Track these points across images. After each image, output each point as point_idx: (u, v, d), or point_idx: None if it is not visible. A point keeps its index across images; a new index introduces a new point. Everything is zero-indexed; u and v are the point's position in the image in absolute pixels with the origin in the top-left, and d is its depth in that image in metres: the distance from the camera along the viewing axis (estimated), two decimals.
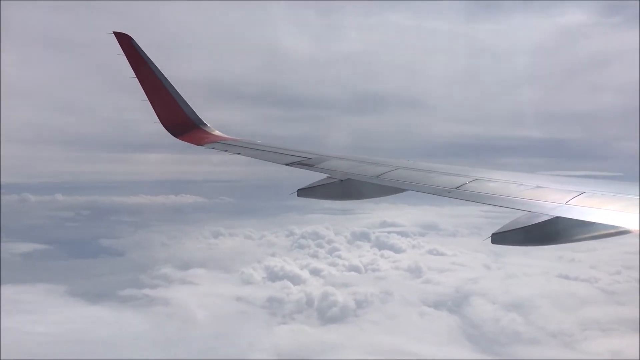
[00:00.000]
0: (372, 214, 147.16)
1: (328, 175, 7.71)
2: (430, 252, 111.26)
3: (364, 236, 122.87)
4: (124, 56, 9.90)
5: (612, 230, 4.90)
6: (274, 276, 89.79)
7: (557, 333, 70.62)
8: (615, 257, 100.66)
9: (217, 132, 10.91)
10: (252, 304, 77.56)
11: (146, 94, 10.23)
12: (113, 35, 9.76)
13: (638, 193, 5.28)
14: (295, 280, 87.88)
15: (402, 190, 7.02)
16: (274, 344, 64.37)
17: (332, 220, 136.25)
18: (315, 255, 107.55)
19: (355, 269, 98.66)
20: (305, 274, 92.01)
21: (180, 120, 10.68)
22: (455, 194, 6.26)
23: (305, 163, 8.42)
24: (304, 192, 7.53)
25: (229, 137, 10.76)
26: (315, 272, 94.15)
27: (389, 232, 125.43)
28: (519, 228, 5.23)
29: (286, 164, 8.58)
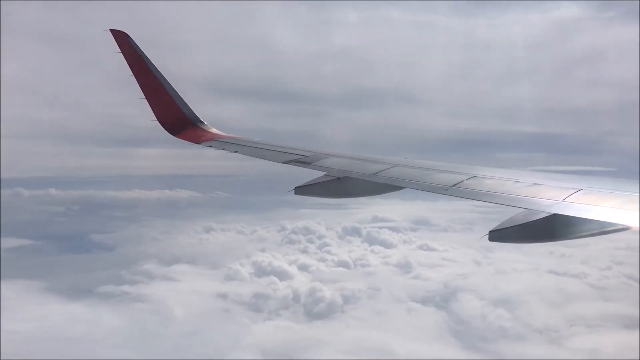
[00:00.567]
0: (364, 209, 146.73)
1: (325, 173, 7.80)
2: (421, 247, 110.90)
3: (355, 231, 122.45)
4: (120, 53, 9.90)
5: (610, 227, 4.93)
6: (261, 272, 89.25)
7: (543, 329, 70.31)
8: (606, 253, 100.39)
9: (214, 130, 10.96)
10: (237, 300, 76.88)
11: (143, 91, 10.23)
12: (109, 32, 9.74)
13: (636, 189, 5.30)
14: (283, 276, 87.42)
15: (400, 187, 7.13)
16: (257, 341, 63.87)
17: (325, 215, 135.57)
18: (305, 251, 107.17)
19: (344, 264, 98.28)
20: (293, 269, 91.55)
21: (177, 118, 10.70)
22: (453, 191, 6.31)
23: (302, 161, 8.50)
24: (301, 189, 7.67)
25: (227, 135, 10.80)
26: (303, 268, 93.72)
27: (380, 228, 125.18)
28: (516, 225, 5.30)
29: (284, 162, 8.67)
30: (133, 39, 9.85)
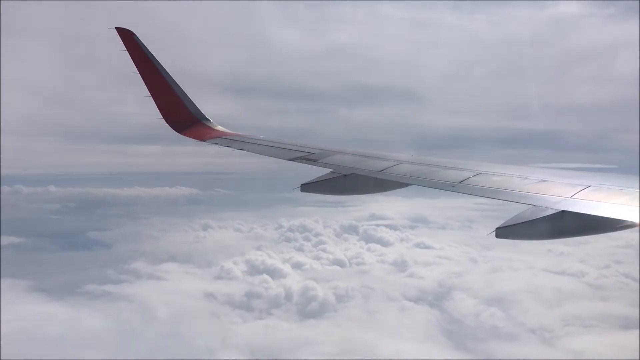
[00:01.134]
0: (363, 206, 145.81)
1: (332, 170, 7.81)
2: (418, 245, 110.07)
3: (352, 229, 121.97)
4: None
5: (619, 224, 4.89)
6: (254, 270, 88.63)
7: (537, 329, 69.31)
8: (606, 251, 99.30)
9: (220, 128, 10.98)
10: (227, 299, 76.25)
11: (149, 89, 10.25)
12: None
13: None
14: (276, 274, 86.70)
15: (406, 184, 7.10)
16: (246, 341, 63.32)
17: (323, 213, 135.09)
18: (300, 249, 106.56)
19: (338, 262, 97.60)
20: (287, 268, 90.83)
21: (183, 116, 10.74)
22: (459, 188, 6.30)
23: (308, 158, 8.50)
24: (307, 187, 7.65)
25: (232, 132, 10.83)
26: (297, 266, 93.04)
27: (378, 225, 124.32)
28: (524, 222, 5.23)
29: (290, 159, 8.67)
30: (138, 37, 9.89)
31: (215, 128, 10.91)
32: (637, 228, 4.71)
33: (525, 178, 6.17)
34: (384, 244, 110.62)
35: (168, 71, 10.41)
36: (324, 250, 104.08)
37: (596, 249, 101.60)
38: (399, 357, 58.49)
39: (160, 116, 10.56)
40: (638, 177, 5.61)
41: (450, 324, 71.38)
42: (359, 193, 7.95)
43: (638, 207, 4.84)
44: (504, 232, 5.28)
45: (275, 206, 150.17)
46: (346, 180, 7.57)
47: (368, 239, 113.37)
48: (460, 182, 6.40)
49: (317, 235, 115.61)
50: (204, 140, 10.39)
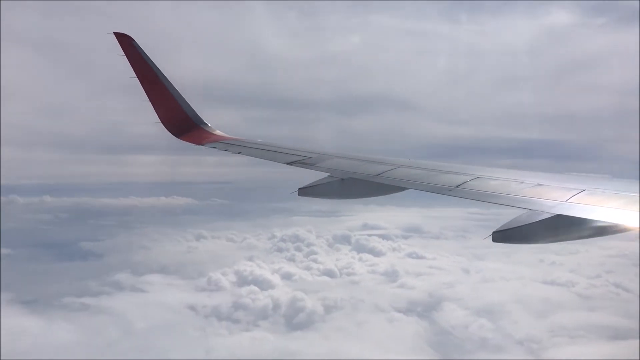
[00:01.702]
0: (356, 216, 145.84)
1: (329, 174, 7.82)
2: (410, 255, 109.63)
3: (344, 239, 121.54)
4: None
5: (613, 228, 4.98)
6: (242, 281, 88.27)
7: (524, 340, 68.90)
8: (597, 261, 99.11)
9: (218, 132, 11.00)
10: (212, 311, 75.72)
11: (147, 94, 10.26)
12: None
13: (638, 190, 5.33)
14: (264, 285, 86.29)
15: (403, 189, 7.11)
16: (231, 353, 62.97)
17: (316, 223, 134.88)
18: (292, 259, 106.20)
19: (329, 273, 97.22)
20: (276, 278, 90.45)
21: (181, 120, 10.77)
22: (456, 192, 6.33)
23: (306, 162, 8.50)
24: (304, 191, 7.67)
25: (230, 136, 10.84)
26: (287, 277, 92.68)
27: (370, 235, 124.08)
28: (520, 226, 5.32)
29: (287, 163, 8.65)
30: (137, 42, 9.89)
31: (213, 132, 10.95)
32: (632, 232, 4.76)
33: (522, 182, 6.23)
34: (376, 254, 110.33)
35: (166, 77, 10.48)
36: (315, 261, 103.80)
37: (587, 258, 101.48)
38: None
39: (159, 121, 10.59)
40: (633, 181, 5.71)
41: (438, 336, 71.01)
42: (356, 197, 7.96)
43: (632, 211, 4.90)
44: (500, 236, 5.37)
45: (270, 216, 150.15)
46: (343, 184, 7.59)
47: (360, 249, 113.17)
48: (457, 186, 6.44)
49: (309, 245, 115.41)
50: (202, 144, 10.44)
